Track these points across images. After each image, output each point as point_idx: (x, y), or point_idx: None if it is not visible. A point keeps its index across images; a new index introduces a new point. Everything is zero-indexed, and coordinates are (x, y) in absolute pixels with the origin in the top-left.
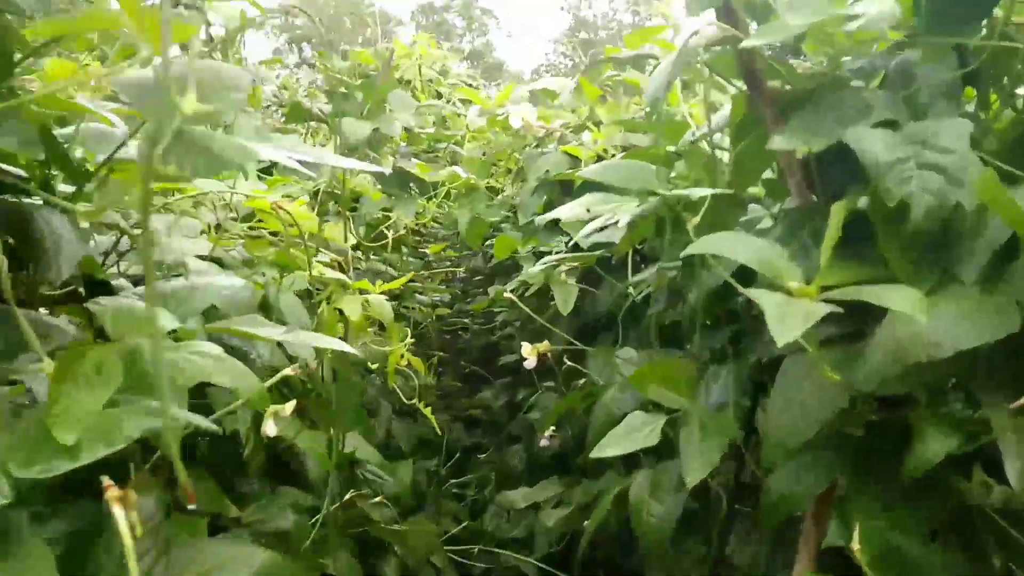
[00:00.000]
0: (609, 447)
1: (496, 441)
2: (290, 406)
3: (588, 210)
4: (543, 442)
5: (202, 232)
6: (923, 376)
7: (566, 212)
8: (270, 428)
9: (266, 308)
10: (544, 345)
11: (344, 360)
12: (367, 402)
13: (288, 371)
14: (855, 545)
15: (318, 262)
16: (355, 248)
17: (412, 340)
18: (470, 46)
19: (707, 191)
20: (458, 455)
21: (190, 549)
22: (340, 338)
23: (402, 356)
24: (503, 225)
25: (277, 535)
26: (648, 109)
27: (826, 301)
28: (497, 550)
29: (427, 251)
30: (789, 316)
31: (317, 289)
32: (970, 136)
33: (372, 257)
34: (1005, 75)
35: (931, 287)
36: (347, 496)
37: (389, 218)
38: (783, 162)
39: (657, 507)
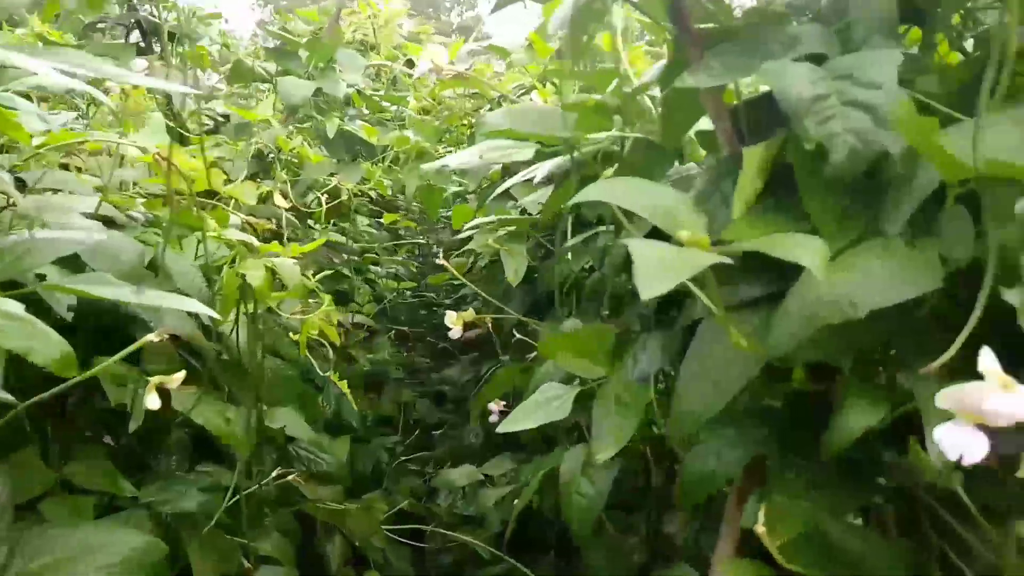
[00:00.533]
0: (517, 421)
1: (462, 417)
2: (178, 377)
3: (481, 156)
4: (492, 418)
5: (97, 188)
6: (844, 341)
7: (457, 160)
8: (151, 401)
9: (156, 269)
10: (469, 314)
11: (262, 330)
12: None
13: (151, 337)
14: (759, 527)
15: (215, 225)
16: (301, 216)
17: (372, 313)
18: (459, 19)
19: (603, 134)
20: (417, 432)
21: (48, 534)
22: (251, 306)
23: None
24: (469, 196)
25: (180, 515)
26: (565, 52)
27: (722, 253)
28: (443, 531)
29: (382, 221)
30: (665, 267)
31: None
32: (912, 77)
33: (330, 227)
34: (953, 13)
35: (852, 241)
36: (273, 474)
37: (331, 184)
38: (711, 109)
39: (587, 485)
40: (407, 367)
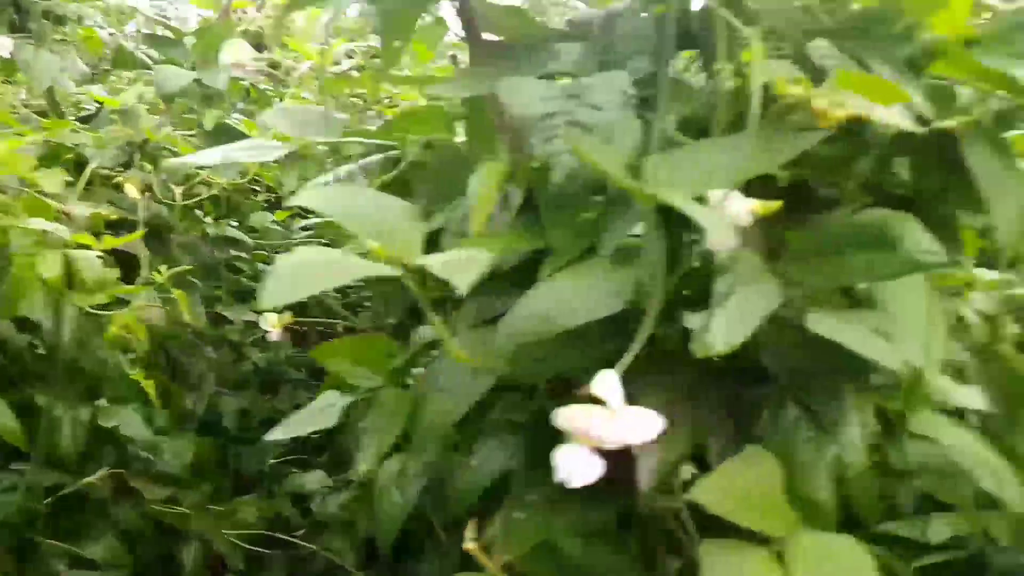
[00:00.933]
0: (288, 428)
1: None
2: None
3: (224, 155)
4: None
5: None
6: (571, 357)
7: (202, 158)
8: None
9: None
10: (286, 317)
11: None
12: (183, 374)
13: None
14: (468, 544)
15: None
16: (186, 209)
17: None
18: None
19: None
20: (310, 435)
21: None
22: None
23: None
24: None
25: None
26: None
27: (407, 268)
28: (295, 539)
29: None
30: (300, 277)
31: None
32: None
33: (227, 223)
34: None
35: (577, 258)
36: (98, 474)
37: (199, 176)
38: (496, 121)
39: (395, 495)
40: (310, 368)
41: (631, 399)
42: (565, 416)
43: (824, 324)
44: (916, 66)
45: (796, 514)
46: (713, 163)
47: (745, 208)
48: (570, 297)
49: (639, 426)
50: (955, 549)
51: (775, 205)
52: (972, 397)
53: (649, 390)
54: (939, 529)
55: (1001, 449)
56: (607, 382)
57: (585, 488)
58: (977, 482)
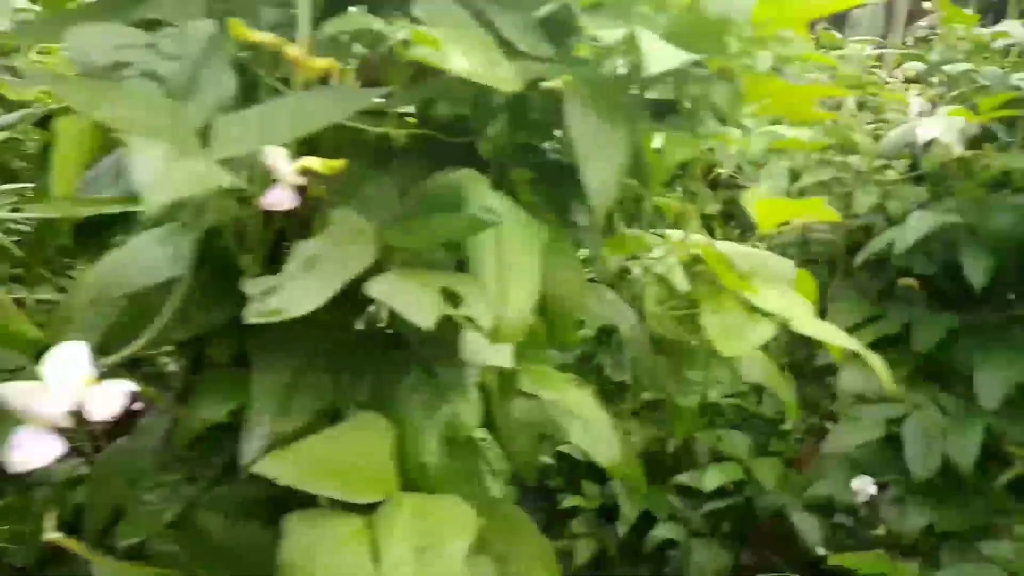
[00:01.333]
0: None
1: None
2: None
3: None
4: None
5: None
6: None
7: None
8: None
9: None
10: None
11: None
12: None
13: None
14: (50, 535)
15: None
16: None
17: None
18: None
19: None
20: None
21: None
22: None
23: None
24: None
25: None
26: None
27: None
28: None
29: None
30: None
31: None
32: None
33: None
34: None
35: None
36: None
37: None
38: None
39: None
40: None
41: (255, 368)
42: (7, 394)
43: (377, 286)
44: (564, 26)
45: (398, 478)
46: (273, 120)
47: (290, 167)
48: (126, 264)
49: (101, 402)
50: (734, 496)
51: (339, 163)
52: (500, 355)
53: (278, 358)
54: (711, 478)
55: (660, 398)
56: (63, 356)
57: (231, 466)
58: (568, 436)
